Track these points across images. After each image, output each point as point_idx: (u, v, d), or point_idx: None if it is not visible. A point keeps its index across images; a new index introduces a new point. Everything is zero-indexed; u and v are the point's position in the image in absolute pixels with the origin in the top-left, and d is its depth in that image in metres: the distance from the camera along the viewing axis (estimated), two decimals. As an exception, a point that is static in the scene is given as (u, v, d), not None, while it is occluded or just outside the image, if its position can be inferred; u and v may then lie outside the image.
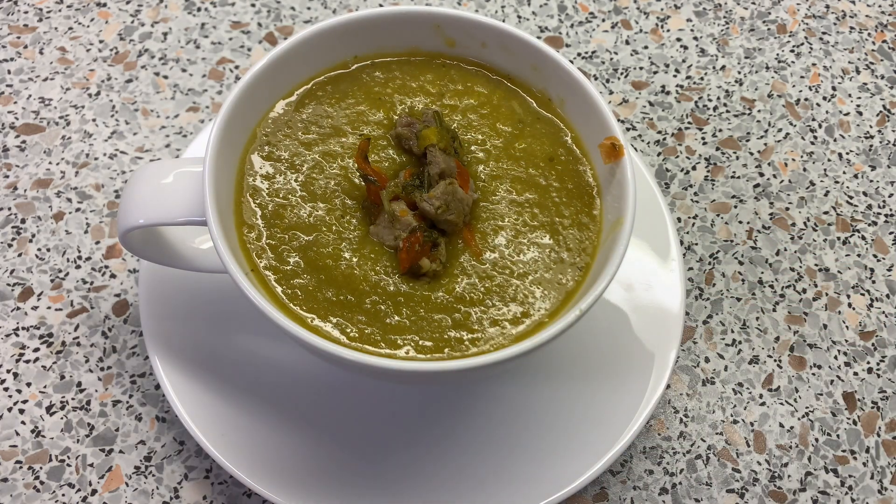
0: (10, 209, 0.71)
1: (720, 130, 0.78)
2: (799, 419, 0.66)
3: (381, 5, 0.84)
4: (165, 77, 0.78)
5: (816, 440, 0.65)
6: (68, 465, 0.62)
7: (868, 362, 0.68)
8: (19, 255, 0.69)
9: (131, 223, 0.53)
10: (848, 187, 0.76)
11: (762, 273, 0.72)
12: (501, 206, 0.56)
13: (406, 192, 0.55)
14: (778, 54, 0.83)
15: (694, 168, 0.76)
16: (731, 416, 0.66)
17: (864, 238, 0.74)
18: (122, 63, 0.79)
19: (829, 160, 0.77)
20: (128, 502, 0.61)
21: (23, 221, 0.71)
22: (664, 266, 0.66)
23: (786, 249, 0.73)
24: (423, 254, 0.52)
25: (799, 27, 0.85)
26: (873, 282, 0.72)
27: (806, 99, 0.80)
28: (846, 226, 0.74)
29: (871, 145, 0.78)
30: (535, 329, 0.52)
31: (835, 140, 0.78)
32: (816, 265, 0.72)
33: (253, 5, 0.83)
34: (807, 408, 0.66)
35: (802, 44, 0.84)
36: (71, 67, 0.79)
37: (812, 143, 0.78)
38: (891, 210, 0.75)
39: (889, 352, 0.69)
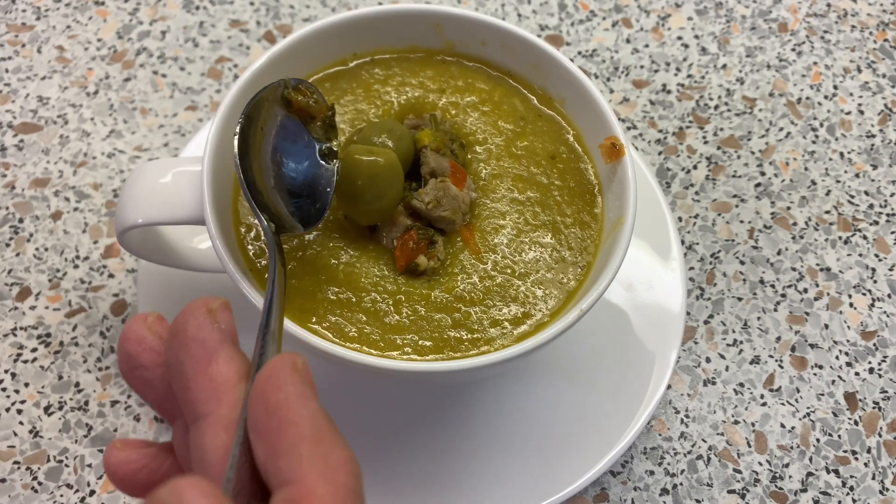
0: (7, 208, 0.71)
1: (721, 129, 0.78)
2: (800, 419, 0.66)
3: (380, 3, 0.84)
4: (164, 76, 0.78)
5: (818, 440, 0.65)
6: (66, 466, 0.62)
7: (869, 362, 0.68)
8: (17, 254, 0.69)
9: (129, 222, 0.53)
10: (849, 186, 0.76)
11: (763, 273, 0.71)
12: (502, 204, 0.56)
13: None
14: (779, 53, 0.83)
15: (695, 167, 0.76)
16: (732, 416, 0.66)
17: (865, 237, 0.73)
18: (121, 62, 0.79)
19: (830, 159, 0.77)
20: (126, 503, 0.61)
21: (20, 221, 0.71)
22: (665, 265, 0.65)
23: (787, 249, 0.72)
24: (418, 251, 0.52)
25: (800, 26, 0.85)
26: (875, 281, 0.71)
27: (807, 98, 0.80)
28: (848, 225, 0.74)
29: (873, 144, 0.78)
30: (536, 329, 0.52)
31: (836, 139, 0.78)
32: (818, 265, 0.72)
33: (252, 3, 0.83)
34: (808, 408, 0.66)
35: (804, 42, 0.83)
36: (69, 66, 0.78)
37: (813, 143, 0.78)
38: (892, 209, 0.75)
39: (891, 352, 0.69)
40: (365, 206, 0.52)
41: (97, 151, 0.74)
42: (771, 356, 0.68)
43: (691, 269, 0.71)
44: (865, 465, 0.64)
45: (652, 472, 0.63)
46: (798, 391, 0.67)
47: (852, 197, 0.75)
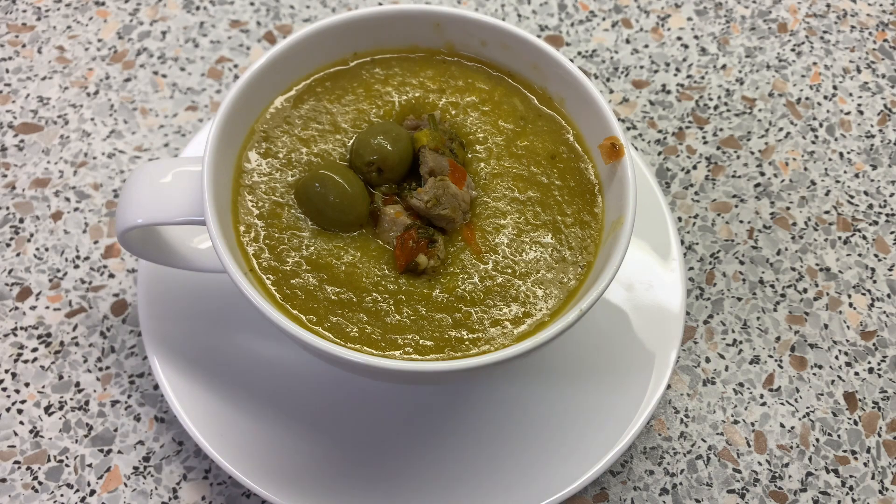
0: (8, 209, 0.71)
1: (721, 129, 0.78)
2: (800, 419, 0.66)
3: (380, 3, 0.84)
4: (164, 76, 0.78)
5: (817, 440, 0.65)
6: (67, 466, 0.62)
7: (869, 362, 0.68)
8: (17, 254, 0.69)
9: (130, 223, 0.53)
10: (849, 187, 0.76)
11: (763, 273, 0.71)
12: (502, 204, 0.56)
13: (401, 195, 0.55)
14: (779, 53, 0.83)
15: (695, 167, 0.76)
16: (732, 416, 0.66)
17: (865, 237, 0.73)
18: (121, 62, 0.79)
19: (830, 159, 0.77)
20: (126, 503, 0.61)
21: (21, 221, 0.71)
22: (665, 266, 0.65)
23: (787, 249, 0.73)
24: (418, 250, 0.52)
25: (800, 26, 0.85)
26: (874, 281, 0.71)
27: (807, 98, 0.80)
28: (847, 225, 0.74)
29: (872, 144, 0.78)
30: (536, 329, 0.52)
31: (836, 139, 0.78)
32: (817, 265, 0.72)
33: (252, 4, 0.83)
34: (808, 408, 0.66)
35: (803, 43, 0.84)
36: (69, 66, 0.78)
37: (813, 143, 0.78)
38: (892, 209, 0.75)
39: (890, 352, 0.69)
40: (328, 218, 0.54)
41: (97, 151, 0.74)
42: (770, 356, 0.68)
43: (691, 269, 0.71)
44: (865, 464, 0.64)
45: (652, 472, 0.63)
46: (798, 391, 0.67)
47: (852, 197, 0.75)
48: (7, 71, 0.78)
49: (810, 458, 0.64)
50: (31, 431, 0.63)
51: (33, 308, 0.67)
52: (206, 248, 0.60)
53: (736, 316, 0.69)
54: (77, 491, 0.61)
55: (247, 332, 0.62)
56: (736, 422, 0.65)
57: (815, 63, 0.82)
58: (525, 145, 0.58)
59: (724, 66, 0.82)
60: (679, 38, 0.83)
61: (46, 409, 0.64)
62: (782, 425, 0.65)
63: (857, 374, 0.68)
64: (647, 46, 0.82)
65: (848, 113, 0.80)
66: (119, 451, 0.62)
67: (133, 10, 0.82)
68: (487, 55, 0.61)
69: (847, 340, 0.69)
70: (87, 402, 0.64)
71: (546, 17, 0.84)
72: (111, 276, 0.69)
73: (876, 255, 0.73)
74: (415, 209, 0.54)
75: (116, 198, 0.72)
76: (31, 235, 0.70)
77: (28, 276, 0.68)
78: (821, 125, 0.79)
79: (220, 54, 0.80)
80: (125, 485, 0.61)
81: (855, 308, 0.70)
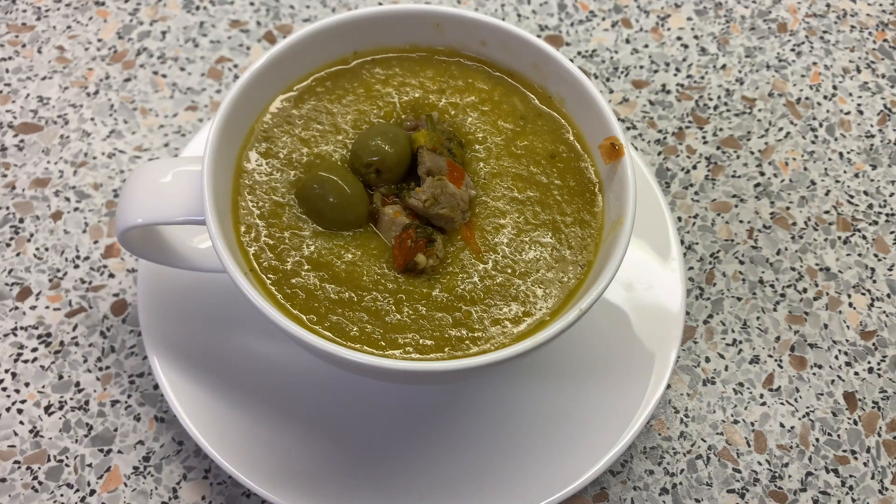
0: (8, 208, 0.71)
1: (721, 129, 0.78)
2: (799, 419, 0.66)
3: (380, 3, 0.84)
4: (164, 76, 0.78)
5: (817, 440, 0.65)
6: (67, 466, 0.62)
7: (869, 362, 0.68)
8: (17, 254, 0.69)
9: (130, 222, 0.53)
10: (849, 186, 0.76)
11: (763, 272, 0.71)
12: (502, 203, 0.56)
13: (400, 196, 0.55)
14: (779, 53, 0.83)
15: (694, 167, 0.76)
16: (732, 416, 0.66)
17: (864, 237, 0.73)
18: (121, 62, 0.79)
19: (829, 159, 0.77)
20: (126, 502, 0.61)
21: (21, 221, 0.71)
22: (665, 265, 0.65)
23: (786, 249, 0.73)
24: (417, 250, 0.52)
25: (800, 26, 0.85)
26: (874, 281, 0.71)
27: (807, 98, 0.80)
28: (847, 225, 0.74)
29: (872, 144, 0.78)
30: (536, 328, 0.52)
31: (835, 139, 0.78)
32: (817, 265, 0.72)
33: (252, 3, 0.83)
34: (807, 408, 0.66)
35: (803, 42, 0.84)
36: (69, 66, 0.78)
37: (813, 143, 0.78)
38: (892, 209, 0.75)
39: (890, 351, 0.69)
40: (328, 219, 0.54)
41: (97, 151, 0.74)
42: (770, 356, 0.68)
43: (691, 268, 0.71)
44: (865, 464, 0.64)
45: (651, 472, 0.63)
46: (797, 391, 0.67)
47: (851, 197, 0.75)
48: (7, 71, 0.78)
49: (810, 458, 0.64)
50: (31, 431, 0.63)
51: (33, 308, 0.67)
52: (206, 248, 0.60)
53: (736, 316, 0.69)
54: (77, 491, 0.61)
55: (247, 331, 0.62)
56: (736, 422, 0.65)
57: (814, 63, 0.82)
58: (525, 145, 0.58)
59: (723, 66, 0.82)
60: (679, 38, 0.83)
61: (46, 408, 0.64)
62: (782, 425, 0.65)
63: (856, 373, 0.68)
64: (647, 46, 0.82)
65: (848, 113, 0.80)
66: (119, 451, 0.62)
67: (133, 10, 0.82)
68: (487, 55, 0.61)
69: (847, 340, 0.69)
70: (87, 402, 0.64)
71: (546, 17, 0.84)
72: (111, 275, 0.69)
73: (876, 255, 0.73)
74: (413, 209, 0.54)
75: (116, 198, 0.72)
76: (31, 235, 0.70)
77: (28, 276, 0.68)
78: (821, 125, 0.79)
79: (220, 54, 0.80)
80: (125, 485, 0.61)
81: (855, 308, 0.70)
